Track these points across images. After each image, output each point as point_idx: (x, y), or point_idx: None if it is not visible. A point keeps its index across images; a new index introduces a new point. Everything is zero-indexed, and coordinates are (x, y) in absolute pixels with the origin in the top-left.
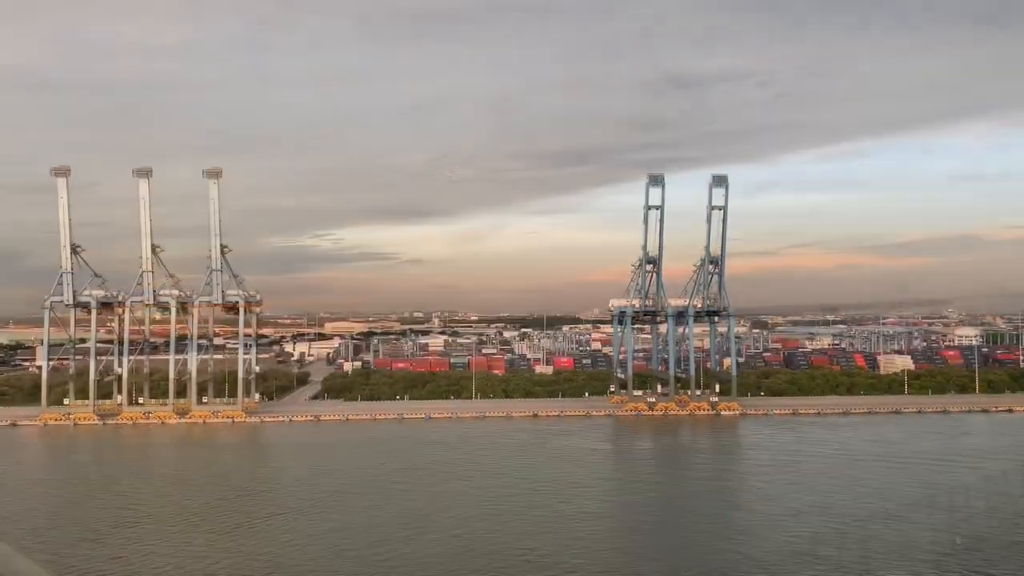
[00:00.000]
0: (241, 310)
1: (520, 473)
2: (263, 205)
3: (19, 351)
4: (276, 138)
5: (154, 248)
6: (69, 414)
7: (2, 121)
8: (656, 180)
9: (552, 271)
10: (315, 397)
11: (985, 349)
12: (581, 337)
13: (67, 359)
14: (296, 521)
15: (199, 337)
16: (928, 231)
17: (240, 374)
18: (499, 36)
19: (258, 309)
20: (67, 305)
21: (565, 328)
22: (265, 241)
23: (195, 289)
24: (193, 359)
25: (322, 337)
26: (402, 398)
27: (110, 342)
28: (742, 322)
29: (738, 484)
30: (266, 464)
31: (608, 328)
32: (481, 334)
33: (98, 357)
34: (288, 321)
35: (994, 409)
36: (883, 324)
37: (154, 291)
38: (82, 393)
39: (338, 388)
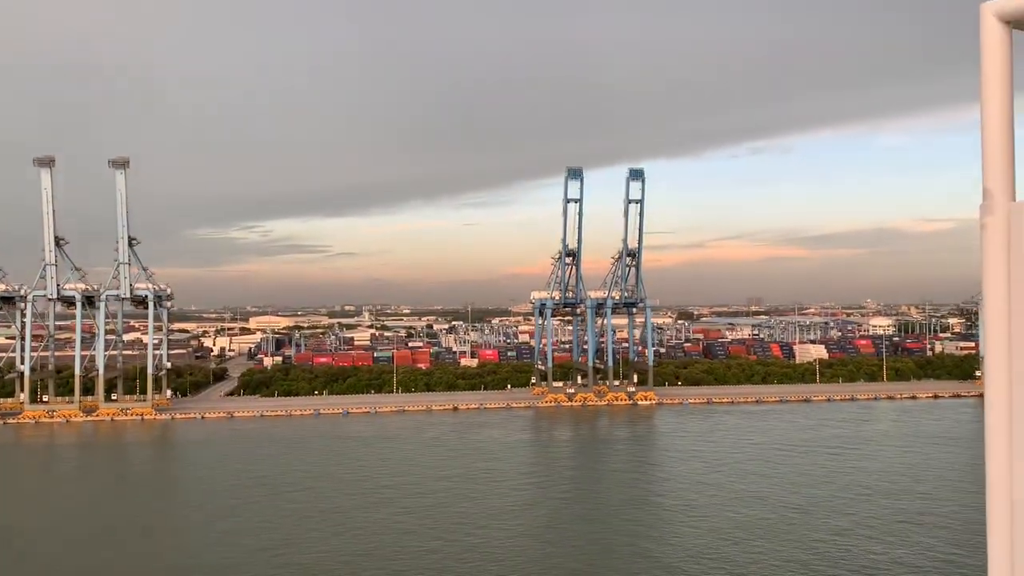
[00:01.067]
0: (150, 304)
1: (431, 469)
2: (188, 196)
3: None
4: (201, 127)
5: (58, 241)
6: None
7: None
8: (575, 173)
9: (485, 264)
10: (231, 393)
11: (897, 338)
12: (509, 330)
13: None
14: (190, 524)
15: (110, 332)
16: (851, 224)
17: (150, 370)
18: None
19: (169, 303)
20: None
21: (495, 321)
22: (190, 233)
23: (102, 283)
24: (100, 355)
25: (246, 332)
26: (321, 393)
27: (13, 338)
28: (669, 313)
29: (643, 475)
30: (167, 463)
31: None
32: (411, 328)
33: None
34: (213, 315)
35: (899, 396)
36: (803, 315)
37: (58, 285)
38: None
39: (256, 384)
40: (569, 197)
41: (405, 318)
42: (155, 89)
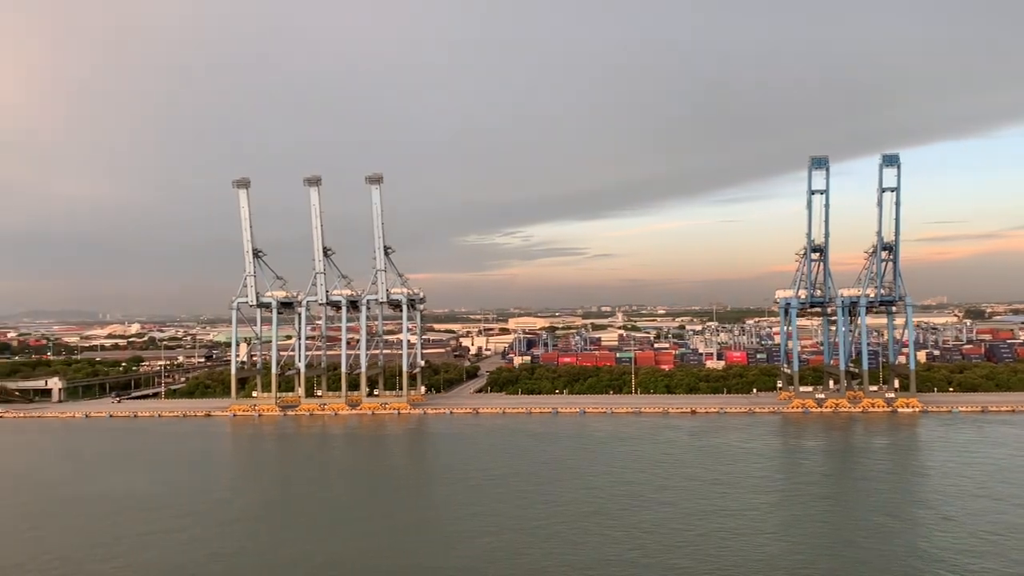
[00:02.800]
0: (404, 307)
1: (657, 476)
2: (456, 205)
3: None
4: (466, 140)
5: (326, 251)
6: (255, 405)
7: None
8: (819, 163)
9: (746, 262)
10: (480, 390)
11: None
12: (764, 331)
13: (255, 354)
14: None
15: (373, 333)
16: None
17: (404, 368)
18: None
19: (422, 306)
20: (251, 305)
21: (749, 321)
22: (459, 240)
23: (364, 289)
24: (363, 354)
25: (505, 332)
26: (561, 392)
27: (292, 339)
28: (955, 311)
29: (881, 499)
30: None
31: (802, 321)
32: (660, 328)
33: (280, 352)
34: (478, 316)
35: None
36: None
37: (327, 291)
38: (275, 386)
39: (503, 381)
40: (814, 188)
41: (659, 319)
42: (433, 110)
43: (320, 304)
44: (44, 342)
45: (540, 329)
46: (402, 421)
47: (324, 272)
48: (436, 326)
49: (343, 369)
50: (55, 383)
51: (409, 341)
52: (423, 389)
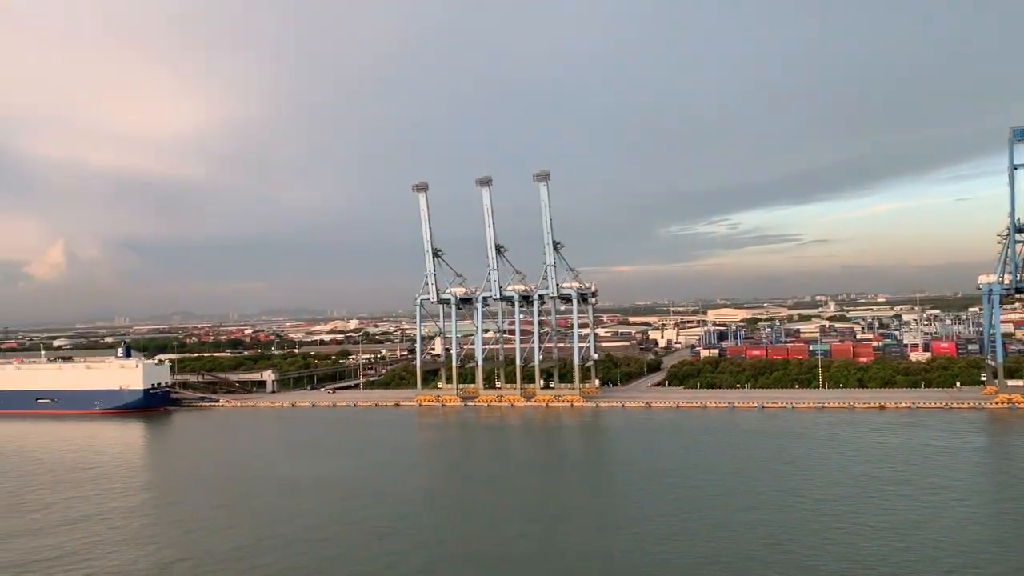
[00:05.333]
0: (574, 301)
1: (824, 475)
2: (659, 196)
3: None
4: (662, 131)
5: (499, 248)
6: (439, 396)
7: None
8: (1021, 134)
9: (982, 243)
10: (659, 384)
11: None
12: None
13: (447, 348)
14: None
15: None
16: None
17: (576, 361)
18: None
19: (594, 300)
20: (432, 302)
21: (973, 309)
22: (663, 231)
23: (537, 284)
24: (536, 348)
25: (703, 324)
26: (743, 386)
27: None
28: None
29: None
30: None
31: None
32: (874, 318)
33: (462, 346)
34: (681, 308)
35: None
36: None
37: (500, 287)
38: (461, 378)
39: (683, 375)
40: (1016, 163)
41: (876, 308)
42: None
43: (496, 299)
44: (272, 338)
45: (741, 320)
46: (574, 413)
47: (497, 269)
48: (633, 319)
49: (518, 362)
50: (268, 375)
51: (582, 334)
52: (597, 382)
